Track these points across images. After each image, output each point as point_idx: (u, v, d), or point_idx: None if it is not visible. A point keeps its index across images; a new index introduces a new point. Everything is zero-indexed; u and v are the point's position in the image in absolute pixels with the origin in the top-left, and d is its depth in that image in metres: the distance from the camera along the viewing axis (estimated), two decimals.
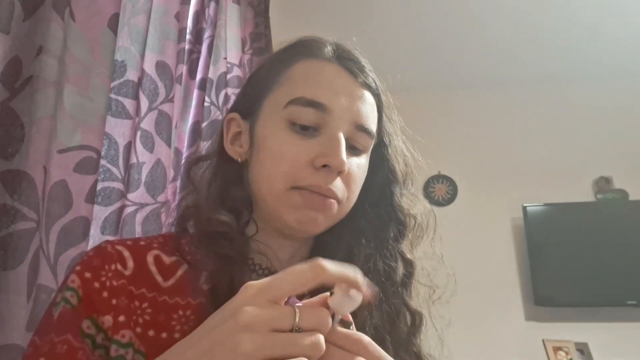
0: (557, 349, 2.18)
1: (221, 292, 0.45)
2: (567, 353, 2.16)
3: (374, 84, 0.54)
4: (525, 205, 2.41)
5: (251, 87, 0.57)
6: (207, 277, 0.47)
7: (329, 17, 2.13)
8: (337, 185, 0.48)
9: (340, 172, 0.47)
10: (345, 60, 0.53)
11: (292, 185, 0.47)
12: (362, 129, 0.50)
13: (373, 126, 0.52)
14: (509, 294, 2.38)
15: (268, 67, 0.56)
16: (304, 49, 0.54)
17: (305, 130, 0.48)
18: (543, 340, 2.22)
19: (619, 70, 2.53)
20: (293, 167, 0.47)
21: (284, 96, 0.50)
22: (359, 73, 0.52)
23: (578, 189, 2.48)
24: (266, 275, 0.50)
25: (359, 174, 0.51)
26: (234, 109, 0.58)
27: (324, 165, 0.46)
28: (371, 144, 0.53)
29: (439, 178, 2.66)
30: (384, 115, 0.56)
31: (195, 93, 1.09)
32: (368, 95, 0.52)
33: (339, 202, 0.48)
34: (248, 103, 0.55)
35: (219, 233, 0.49)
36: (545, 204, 2.42)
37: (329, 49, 0.54)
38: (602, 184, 2.47)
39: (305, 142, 0.48)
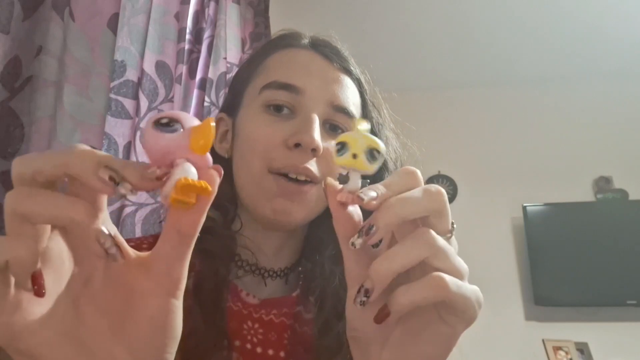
0: (557, 349, 2.18)
1: (205, 290, 0.44)
2: (567, 353, 2.16)
3: (353, 69, 0.54)
4: (525, 205, 2.41)
5: (233, 84, 0.58)
6: (193, 277, 0.45)
7: (329, 17, 2.13)
8: (313, 164, 0.47)
9: (314, 151, 0.46)
10: (320, 47, 0.53)
11: (268, 167, 0.47)
12: (340, 109, 0.50)
13: (353, 108, 0.52)
14: (509, 294, 2.38)
15: (248, 62, 0.57)
16: (280, 40, 0.55)
17: (279, 111, 0.48)
18: (543, 340, 2.22)
19: (619, 70, 2.53)
20: (267, 147, 0.47)
21: (260, 84, 0.50)
22: (334, 57, 0.52)
23: (578, 189, 2.48)
24: (253, 272, 0.50)
25: None
26: (222, 108, 0.59)
27: (297, 145, 0.46)
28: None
29: (438, 178, 2.66)
30: (368, 102, 0.56)
31: (195, 93, 1.09)
32: (346, 79, 0.52)
33: (316, 182, 0.48)
34: (231, 100, 0.56)
35: (204, 228, 0.49)
36: (545, 204, 2.42)
37: (305, 39, 0.54)
38: (602, 184, 2.47)
39: (279, 124, 0.48)
